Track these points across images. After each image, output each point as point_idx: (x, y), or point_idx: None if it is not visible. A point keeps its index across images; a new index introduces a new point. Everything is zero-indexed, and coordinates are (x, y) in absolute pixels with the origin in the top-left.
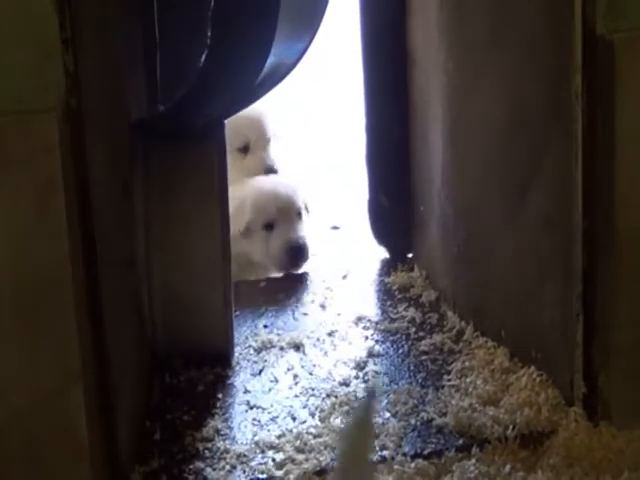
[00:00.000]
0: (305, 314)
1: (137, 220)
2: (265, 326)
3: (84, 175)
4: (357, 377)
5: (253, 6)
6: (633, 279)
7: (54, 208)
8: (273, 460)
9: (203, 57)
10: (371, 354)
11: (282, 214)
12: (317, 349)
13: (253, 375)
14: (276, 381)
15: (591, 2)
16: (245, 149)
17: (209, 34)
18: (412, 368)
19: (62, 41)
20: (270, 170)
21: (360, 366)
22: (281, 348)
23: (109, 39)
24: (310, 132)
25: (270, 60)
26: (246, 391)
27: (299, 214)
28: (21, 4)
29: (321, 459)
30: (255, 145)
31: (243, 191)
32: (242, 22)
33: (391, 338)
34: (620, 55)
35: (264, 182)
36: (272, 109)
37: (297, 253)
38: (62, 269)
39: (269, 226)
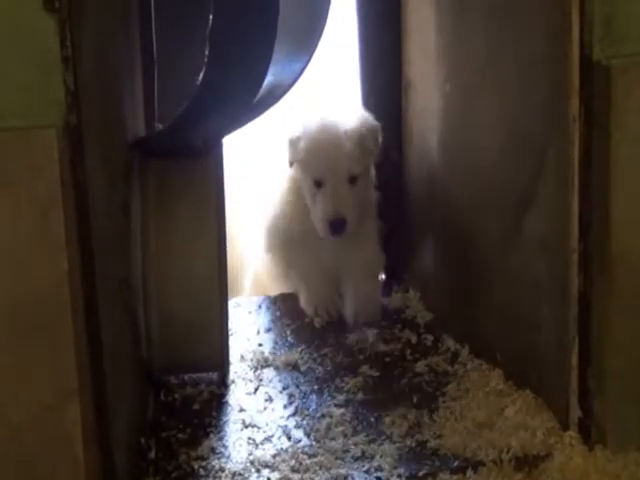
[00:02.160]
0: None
1: (134, 237)
2: (260, 345)
3: (83, 191)
4: (352, 398)
5: (251, 26)
6: (628, 303)
7: (53, 224)
8: (268, 479)
9: (201, 76)
10: (366, 375)
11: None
12: (312, 368)
13: (248, 394)
14: (271, 400)
15: (588, 28)
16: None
17: (207, 53)
18: (407, 390)
19: (62, 59)
20: None
21: (355, 387)
22: (276, 367)
23: (108, 58)
24: None
25: (267, 80)
26: (241, 410)
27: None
28: (22, 22)
29: (316, 479)
30: None
31: None
32: (240, 42)
33: (386, 359)
34: (616, 80)
35: None
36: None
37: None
38: (60, 285)
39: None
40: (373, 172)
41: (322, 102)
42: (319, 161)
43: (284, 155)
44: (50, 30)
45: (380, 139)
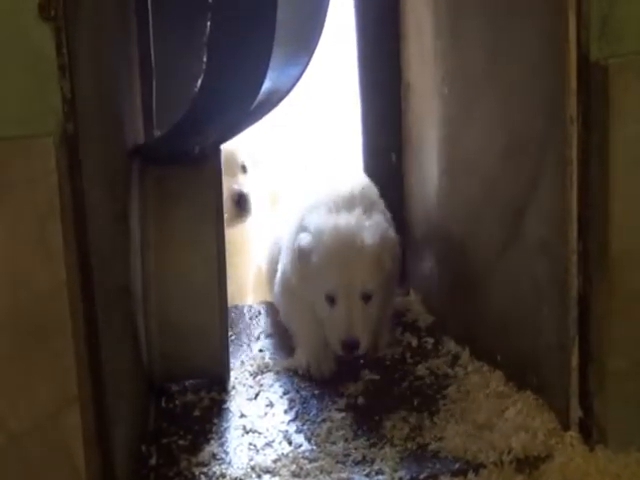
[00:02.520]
0: None
1: (133, 245)
2: (260, 350)
3: (80, 199)
4: (352, 402)
5: (249, 32)
6: (628, 303)
7: (51, 232)
8: None
9: (199, 83)
10: (367, 379)
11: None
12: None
13: (249, 399)
14: (272, 405)
15: (585, 28)
16: None
17: (205, 60)
18: (408, 393)
19: (59, 67)
20: (241, 196)
21: (356, 391)
22: (277, 373)
23: (106, 65)
24: (305, 155)
25: (265, 85)
26: (242, 415)
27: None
28: (18, 30)
29: None
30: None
31: None
32: (238, 48)
33: (387, 363)
34: (614, 80)
35: None
36: (265, 136)
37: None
38: (59, 293)
39: None
40: (393, 288)
41: (320, 156)
42: (331, 277)
43: (292, 267)
44: (46, 38)
45: (398, 253)
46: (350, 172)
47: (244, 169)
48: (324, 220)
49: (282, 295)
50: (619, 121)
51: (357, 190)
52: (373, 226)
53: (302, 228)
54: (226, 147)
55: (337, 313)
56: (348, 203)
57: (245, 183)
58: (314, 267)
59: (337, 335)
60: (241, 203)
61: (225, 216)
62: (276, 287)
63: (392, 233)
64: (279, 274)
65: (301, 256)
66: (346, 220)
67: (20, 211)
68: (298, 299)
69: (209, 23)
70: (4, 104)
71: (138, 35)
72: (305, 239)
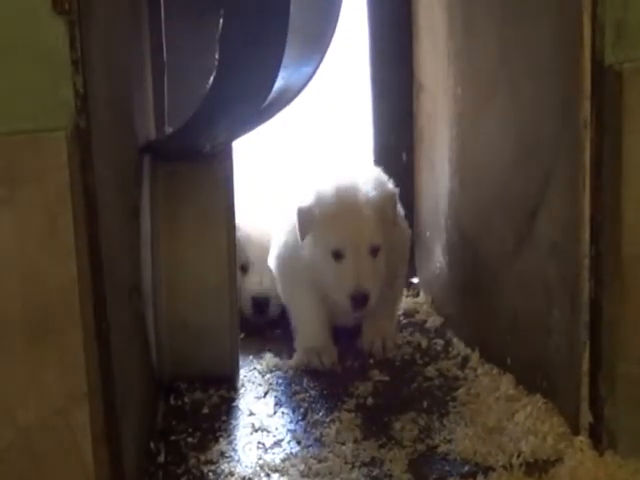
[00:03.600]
0: None
1: (143, 242)
2: (269, 349)
3: (92, 195)
4: (363, 403)
5: (261, 30)
6: (639, 309)
7: (62, 227)
8: None
9: (211, 80)
10: (376, 379)
11: None
12: (322, 373)
13: (258, 398)
14: (281, 404)
15: (600, 32)
16: (244, 268)
17: (217, 57)
18: (417, 395)
19: (72, 62)
20: (257, 299)
21: (365, 391)
22: (286, 372)
23: (118, 61)
24: (317, 155)
25: (278, 83)
26: (251, 414)
27: None
28: (32, 25)
29: None
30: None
31: None
32: (250, 45)
33: (396, 364)
34: (628, 85)
35: None
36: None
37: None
38: (70, 289)
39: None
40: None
41: (331, 154)
42: (338, 232)
43: (294, 226)
44: (60, 32)
45: (398, 206)
46: (360, 165)
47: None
48: (324, 182)
49: (281, 275)
50: (632, 125)
51: (363, 175)
52: (372, 179)
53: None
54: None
55: (345, 268)
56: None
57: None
58: (318, 225)
59: (346, 290)
60: (260, 307)
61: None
62: (274, 266)
63: (391, 187)
64: (277, 252)
65: (303, 214)
66: (346, 176)
67: (31, 206)
68: (297, 281)
69: (222, 20)
70: (17, 98)
71: (150, 31)
72: (306, 199)
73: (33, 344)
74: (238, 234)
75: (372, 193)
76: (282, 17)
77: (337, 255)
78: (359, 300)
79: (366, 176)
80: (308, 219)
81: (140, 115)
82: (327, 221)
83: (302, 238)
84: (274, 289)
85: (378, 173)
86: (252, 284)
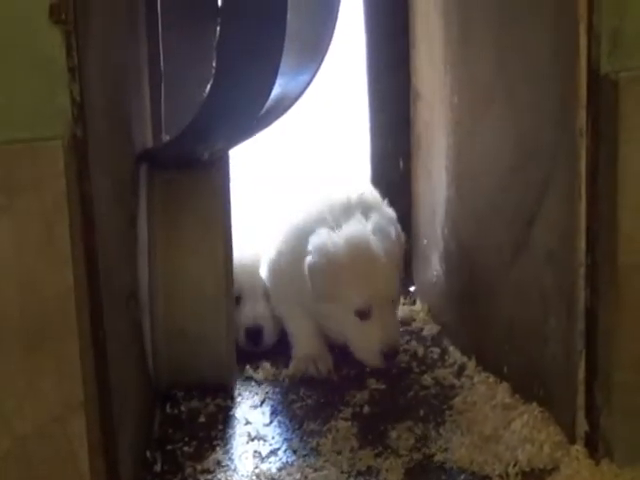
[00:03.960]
0: None
1: (141, 250)
2: (266, 357)
3: (89, 204)
4: (359, 412)
5: (258, 38)
6: (635, 317)
7: (59, 236)
8: None
9: (208, 88)
10: (372, 388)
11: None
12: (318, 381)
13: (254, 407)
14: (277, 413)
15: (596, 41)
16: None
17: (214, 65)
18: (414, 403)
19: (68, 70)
20: (251, 329)
21: (362, 400)
22: (282, 380)
23: (115, 69)
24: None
25: (275, 91)
26: (247, 423)
27: None
28: (28, 33)
29: None
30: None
31: None
32: (247, 54)
33: (393, 372)
34: (624, 94)
35: None
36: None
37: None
38: (66, 298)
39: None
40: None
41: (328, 164)
42: (364, 290)
43: (287, 240)
44: (56, 41)
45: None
46: (350, 180)
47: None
48: (329, 237)
49: (273, 287)
50: (628, 135)
51: (354, 197)
52: (379, 229)
53: (303, 247)
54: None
55: (374, 326)
56: (345, 211)
57: (267, 312)
58: (335, 286)
59: (376, 347)
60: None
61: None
62: (267, 278)
63: (395, 230)
64: (269, 263)
65: (318, 274)
66: (353, 231)
67: (28, 214)
68: (290, 294)
69: (219, 28)
70: (13, 107)
71: (147, 39)
72: (315, 258)
73: (30, 352)
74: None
75: (388, 244)
76: (279, 25)
77: (362, 314)
78: (393, 355)
79: (373, 220)
80: (322, 279)
81: (137, 123)
82: (344, 280)
83: (317, 299)
84: (268, 318)
85: (381, 220)
86: (246, 315)
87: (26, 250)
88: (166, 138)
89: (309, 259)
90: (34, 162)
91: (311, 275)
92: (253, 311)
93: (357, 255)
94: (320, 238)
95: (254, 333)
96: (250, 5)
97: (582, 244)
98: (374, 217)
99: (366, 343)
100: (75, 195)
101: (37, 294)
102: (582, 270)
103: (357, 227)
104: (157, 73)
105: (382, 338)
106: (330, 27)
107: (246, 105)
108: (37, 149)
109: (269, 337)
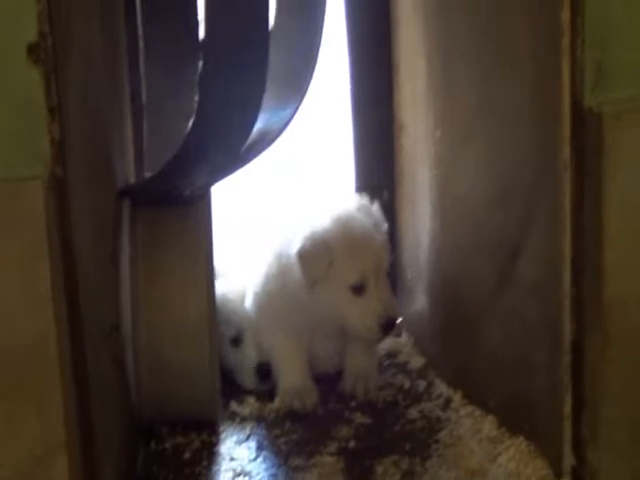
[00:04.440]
0: None
1: (123, 286)
2: (251, 392)
3: (69, 242)
4: (345, 447)
5: (240, 73)
6: (621, 350)
7: (39, 276)
8: None
9: (190, 123)
10: (358, 422)
11: None
12: (304, 416)
13: (239, 442)
14: (262, 449)
15: (579, 75)
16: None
17: (196, 99)
18: (400, 437)
19: (48, 110)
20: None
21: (348, 434)
22: (267, 415)
23: (96, 106)
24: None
25: (257, 126)
26: (232, 459)
27: None
28: (7, 73)
29: None
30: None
31: None
32: (229, 88)
33: (379, 406)
34: (608, 127)
35: None
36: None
37: None
38: (47, 338)
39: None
40: None
41: (312, 193)
42: (357, 265)
43: (298, 273)
44: (35, 81)
45: None
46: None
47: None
48: (317, 221)
49: (260, 317)
50: (613, 169)
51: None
52: (362, 208)
53: (289, 267)
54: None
55: (370, 299)
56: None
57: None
58: (324, 266)
59: (374, 320)
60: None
61: None
62: (252, 308)
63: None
64: (255, 292)
65: (306, 260)
66: (338, 209)
67: (8, 254)
68: (277, 323)
69: (201, 63)
70: None
71: (129, 74)
72: (303, 240)
73: (9, 393)
74: (223, 306)
75: (370, 219)
76: (261, 60)
77: (357, 289)
78: (390, 325)
79: (352, 204)
80: (313, 262)
81: (119, 158)
82: (336, 258)
83: (312, 285)
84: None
85: (360, 199)
86: (251, 354)
87: (5, 291)
88: (148, 174)
89: (297, 247)
90: (13, 202)
91: (302, 261)
92: (258, 349)
93: (345, 231)
94: (305, 228)
95: (264, 370)
96: (232, 40)
97: (567, 277)
98: (356, 199)
99: (363, 318)
100: (55, 234)
101: (17, 334)
102: (567, 302)
103: (340, 206)
104: (139, 108)
105: (379, 310)
106: (312, 62)
107: (228, 140)
108: (16, 189)
109: (275, 374)
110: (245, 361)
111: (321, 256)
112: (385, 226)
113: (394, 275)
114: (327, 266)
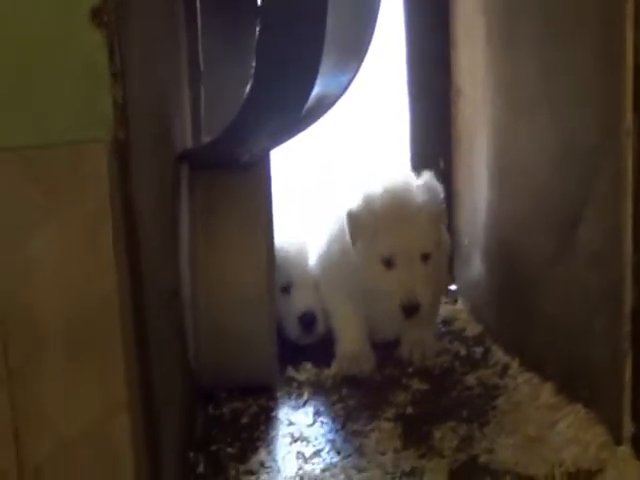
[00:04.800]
0: None
1: (182, 250)
2: (308, 358)
3: (131, 207)
4: (402, 412)
5: (298, 37)
6: None
7: (102, 239)
8: None
9: (247, 89)
10: (415, 388)
11: None
12: (361, 382)
13: (297, 407)
14: (320, 414)
15: None
16: (287, 289)
17: (254, 66)
18: (457, 404)
19: (111, 74)
20: (305, 316)
21: (405, 400)
22: (325, 380)
23: (156, 70)
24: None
25: (315, 92)
26: (290, 423)
27: None
28: (70, 37)
29: None
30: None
31: None
32: (287, 53)
33: (436, 372)
34: None
35: None
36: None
37: None
38: (110, 301)
39: None
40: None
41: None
42: (389, 238)
43: (340, 230)
44: (98, 44)
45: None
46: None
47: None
48: (374, 185)
49: (324, 280)
50: None
51: (414, 179)
52: (423, 184)
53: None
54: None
55: (396, 276)
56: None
57: (318, 300)
58: (368, 230)
59: (397, 299)
60: (308, 325)
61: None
62: (318, 270)
63: (440, 190)
64: (319, 254)
65: (352, 219)
66: (397, 180)
67: (71, 218)
68: (340, 287)
69: (258, 29)
70: (55, 111)
71: (187, 40)
72: (356, 202)
73: (74, 355)
74: (277, 255)
75: (424, 198)
76: (319, 25)
77: (388, 263)
78: (410, 310)
79: (417, 180)
80: (358, 224)
81: (178, 125)
82: (377, 227)
83: (353, 243)
84: (319, 306)
85: (429, 178)
86: (297, 303)
87: (69, 254)
88: (206, 139)
89: (349, 208)
90: (77, 165)
91: (349, 219)
92: (305, 299)
93: (391, 202)
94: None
95: (308, 320)
96: (290, 5)
97: (628, 245)
98: (425, 175)
99: (387, 295)
100: (118, 198)
101: (81, 298)
102: (628, 270)
103: (401, 177)
104: (197, 75)
105: (399, 290)
106: (370, 26)
107: (286, 106)
108: (80, 153)
109: (321, 325)
110: (291, 309)
111: (366, 220)
112: (442, 207)
113: (451, 241)
114: (372, 232)
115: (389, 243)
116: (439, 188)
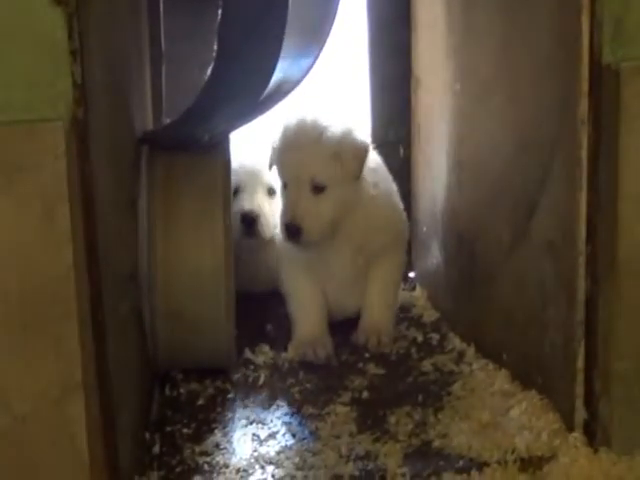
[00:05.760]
0: None
1: (140, 232)
2: (266, 340)
3: (89, 184)
4: (358, 397)
5: (260, 22)
6: (635, 306)
7: (59, 216)
8: (272, 476)
9: (209, 71)
10: (372, 373)
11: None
12: (318, 367)
13: (253, 390)
14: (276, 397)
15: (598, 30)
16: (236, 192)
17: (216, 48)
18: (413, 389)
19: (70, 52)
20: (247, 215)
21: (361, 385)
22: (282, 364)
23: (116, 50)
24: None
25: (276, 76)
26: (246, 406)
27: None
28: (30, 15)
29: (320, 477)
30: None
31: None
32: (249, 37)
33: (392, 358)
34: (626, 83)
35: None
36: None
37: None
38: (66, 278)
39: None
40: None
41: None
42: (284, 163)
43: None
44: (58, 23)
45: (365, 160)
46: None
47: (270, 192)
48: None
49: (282, 260)
50: (630, 124)
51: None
52: (339, 124)
53: None
54: (254, 166)
55: (285, 199)
56: None
57: (265, 206)
58: (276, 155)
59: (281, 219)
60: (249, 224)
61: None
62: (279, 252)
63: (362, 140)
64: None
65: (272, 145)
66: (311, 116)
67: (28, 195)
68: (298, 267)
69: (221, 10)
70: (14, 88)
71: (149, 20)
72: (277, 131)
73: (29, 332)
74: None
75: (330, 133)
76: (282, 8)
77: (283, 187)
78: (292, 231)
79: (339, 120)
80: (272, 149)
81: (138, 105)
82: (279, 153)
83: (269, 168)
84: (263, 210)
85: (352, 127)
86: (241, 204)
87: (26, 231)
88: (167, 120)
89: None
90: (35, 143)
91: (271, 145)
92: (250, 201)
93: (294, 132)
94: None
95: (249, 219)
96: None
97: (582, 234)
98: (352, 125)
99: (280, 214)
100: (75, 176)
101: (36, 274)
102: (582, 259)
103: (319, 115)
104: (158, 55)
105: (287, 212)
106: (332, 11)
107: (248, 88)
108: (38, 130)
109: (264, 228)
110: (236, 209)
111: (274, 146)
112: (346, 148)
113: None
114: (276, 158)
115: (283, 170)
116: (359, 138)
